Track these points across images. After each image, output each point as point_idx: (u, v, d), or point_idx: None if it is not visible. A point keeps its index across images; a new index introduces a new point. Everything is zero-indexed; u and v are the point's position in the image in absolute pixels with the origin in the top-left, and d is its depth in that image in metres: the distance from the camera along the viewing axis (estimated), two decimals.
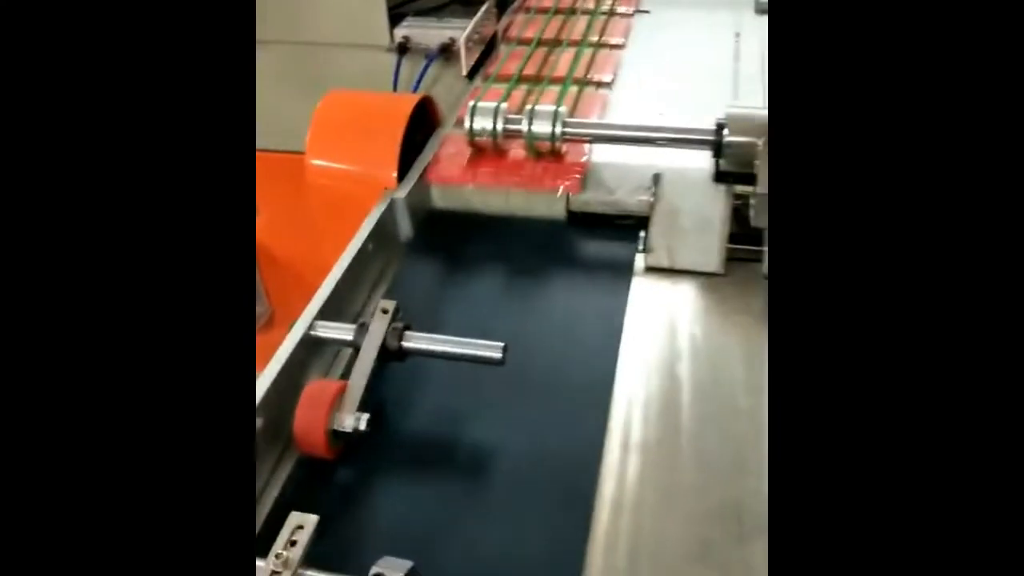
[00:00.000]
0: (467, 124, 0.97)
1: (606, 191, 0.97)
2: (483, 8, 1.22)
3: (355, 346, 0.73)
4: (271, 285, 1.52)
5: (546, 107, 0.95)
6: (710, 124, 0.91)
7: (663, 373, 0.76)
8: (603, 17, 1.35)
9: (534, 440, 0.70)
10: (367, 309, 0.87)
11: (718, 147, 0.90)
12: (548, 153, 0.98)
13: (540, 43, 1.26)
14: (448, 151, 1.01)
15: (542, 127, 0.95)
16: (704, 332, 0.81)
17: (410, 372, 0.75)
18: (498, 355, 0.71)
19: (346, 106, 1.01)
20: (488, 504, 0.66)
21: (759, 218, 0.86)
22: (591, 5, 1.39)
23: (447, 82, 1.29)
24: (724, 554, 0.60)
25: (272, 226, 1.29)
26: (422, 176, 0.98)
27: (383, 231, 0.92)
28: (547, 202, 0.98)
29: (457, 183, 0.98)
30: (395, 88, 1.27)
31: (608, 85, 1.17)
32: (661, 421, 0.71)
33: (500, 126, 0.96)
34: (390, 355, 0.73)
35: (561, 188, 0.95)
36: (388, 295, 0.88)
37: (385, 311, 0.75)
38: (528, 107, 0.96)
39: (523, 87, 1.13)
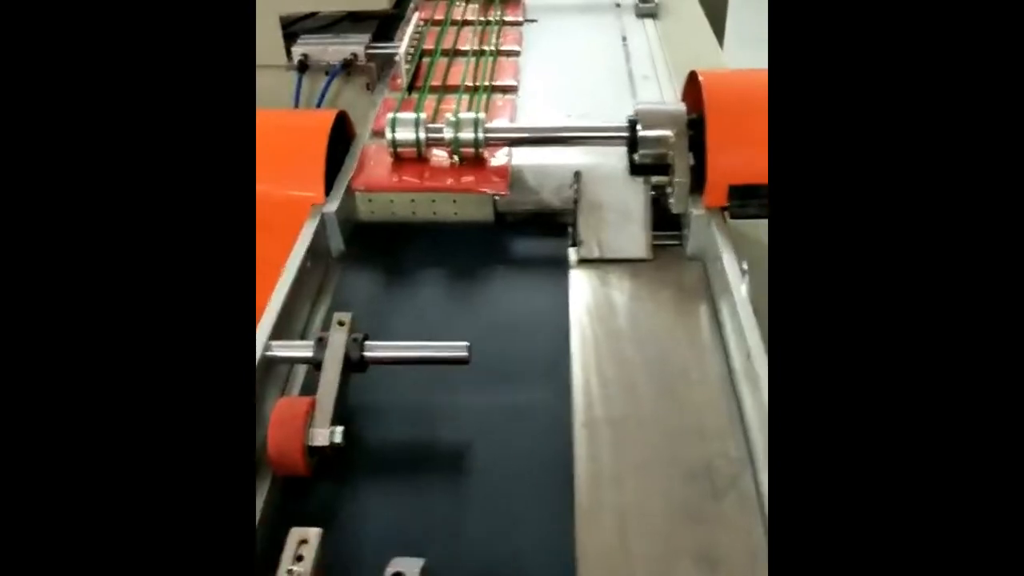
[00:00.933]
0: (389, 136, 0.98)
1: (531, 191, 1.00)
2: (379, 22, 1.23)
3: (315, 362, 0.72)
4: None
5: (467, 115, 0.97)
6: (622, 121, 0.97)
7: (614, 354, 0.81)
8: (495, 27, 1.39)
9: (506, 431, 0.72)
10: (311, 325, 0.86)
11: (633, 142, 0.96)
12: (471, 159, 1.00)
13: (440, 53, 1.28)
14: (370, 162, 1.01)
15: (466, 134, 0.97)
16: (643, 312, 0.87)
17: (371, 380, 0.75)
18: (464, 354, 0.72)
19: (264, 126, 0.98)
20: (474, 497, 0.67)
21: (678, 205, 0.93)
22: (478, 16, 1.43)
23: (348, 96, 1.28)
24: (704, 510, 0.65)
25: None
26: (348, 189, 0.97)
27: (316, 246, 0.91)
28: (474, 206, 1.00)
29: (385, 191, 0.98)
30: (296, 106, 1.25)
31: (514, 90, 1.20)
32: (621, 398, 0.76)
33: (423, 135, 0.97)
34: (352, 366, 0.73)
35: (490, 191, 0.97)
36: (333, 308, 0.87)
37: (342, 323, 0.74)
38: (450, 115, 0.98)
39: (431, 96, 1.15)
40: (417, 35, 1.24)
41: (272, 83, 1.25)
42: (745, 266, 0.81)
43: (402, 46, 1.15)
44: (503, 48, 1.32)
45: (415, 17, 1.27)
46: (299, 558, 0.53)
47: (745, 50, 3.86)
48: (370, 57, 1.21)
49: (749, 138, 0.90)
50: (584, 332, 0.83)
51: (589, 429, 0.73)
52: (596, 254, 0.94)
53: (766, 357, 0.70)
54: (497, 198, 0.99)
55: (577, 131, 1.01)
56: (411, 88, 1.18)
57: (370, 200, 0.99)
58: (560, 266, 0.93)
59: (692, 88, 0.99)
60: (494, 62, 1.27)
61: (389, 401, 0.75)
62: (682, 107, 0.95)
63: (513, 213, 1.01)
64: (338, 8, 1.24)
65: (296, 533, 0.55)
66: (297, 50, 1.23)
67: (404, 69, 1.14)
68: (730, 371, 0.78)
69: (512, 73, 1.25)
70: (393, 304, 0.90)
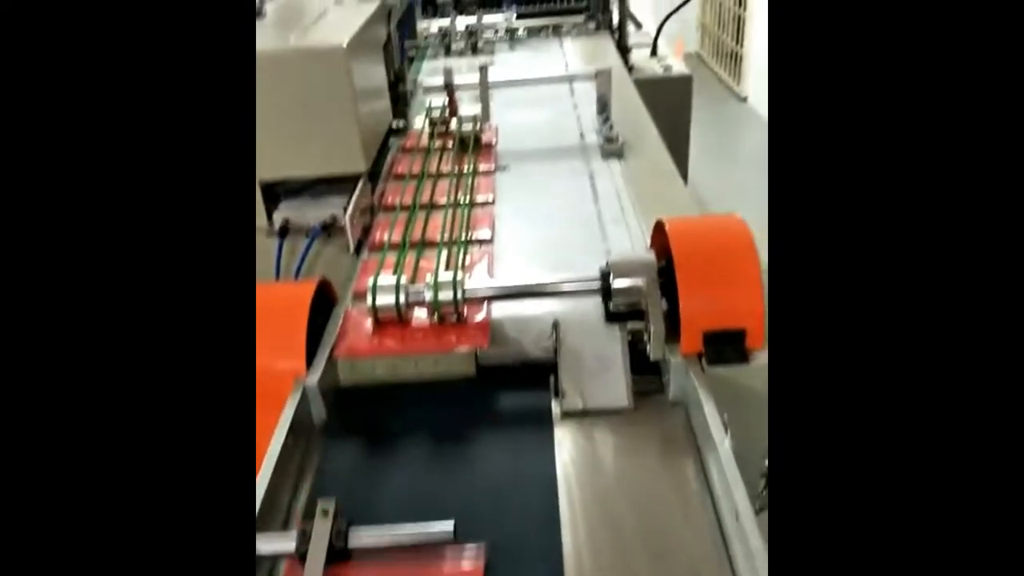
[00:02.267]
0: (370, 301, 1.00)
1: (511, 343, 1.02)
2: (360, 184, 1.28)
3: (299, 555, 0.71)
4: None
5: (446, 276, 1.00)
6: (595, 271, 1.01)
7: (604, 519, 0.79)
8: (469, 176, 1.46)
9: None
10: (295, 506, 0.85)
11: (607, 292, 0.99)
12: (451, 317, 1.02)
13: (417, 207, 1.33)
14: (351, 326, 1.03)
15: (445, 295, 0.99)
16: (631, 469, 0.86)
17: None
18: (449, 530, 0.71)
19: None
20: None
21: (656, 352, 0.95)
22: (452, 167, 1.49)
23: (329, 256, 1.31)
24: None
25: None
26: (330, 357, 0.98)
27: (298, 421, 0.91)
28: (455, 362, 1.01)
29: (366, 356, 0.99)
30: (278, 269, 1.28)
31: (489, 242, 1.24)
32: (614, 567, 0.74)
33: (403, 299, 1.00)
34: (336, 555, 0.71)
35: (471, 347, 0.98)
36: (316, 487, 0.86)
37: (326, 511, 0.73)
38: (429, 277, 1.00)
39: (411, 252, 1.19)
40: (395, 199, 1.29)
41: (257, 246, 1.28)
42: (727, 417, 0.81)
43: (380, 212, 1.19)
44: (478, 200, 1.37)
45: (388, 172, 1.33)
46: None
47: (708, 162, 4.03)
48: (352, 219, 1.26)
49: (718, 283, 0.93)
50: (572, 495, 0.82)
51: None
52: (579, 406, 0.94)
53: (754, 517, 0.69)
54: (478, 352, 1.00)
55: (553, 285, 1.04)
56: (391, 246, 1.21)
57: (352, 366, 1.00)
58: (544, 421, 0.93)
59: (659, 235, 1.03)
60: (469, 213, 1.32)
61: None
62: (651, 256, 0.99)
63: (495, 366, 1.02)
64: (317, 173, 1.29)
65: None
66: (278, 215, 1.27)
67: (383, 232, 1.18)
68: (721, 530, 0.76)
69: (487, 223, 1.29)
70: (377, 474, 0.88)
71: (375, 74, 1.48)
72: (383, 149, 1.53)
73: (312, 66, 1.22)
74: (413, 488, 0.86)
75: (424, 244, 1.23)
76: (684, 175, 2.62)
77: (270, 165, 1.27)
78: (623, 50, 2.55)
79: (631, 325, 1.00)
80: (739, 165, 4.31)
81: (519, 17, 2.48)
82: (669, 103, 2.49)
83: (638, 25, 3.08)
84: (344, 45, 1.21)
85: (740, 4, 5.16)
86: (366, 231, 1.30)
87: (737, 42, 5.28)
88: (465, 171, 1.48)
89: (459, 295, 1.00)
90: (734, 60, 5.37)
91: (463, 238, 1.24)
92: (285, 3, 1.72)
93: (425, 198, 1.37)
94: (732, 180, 4.03)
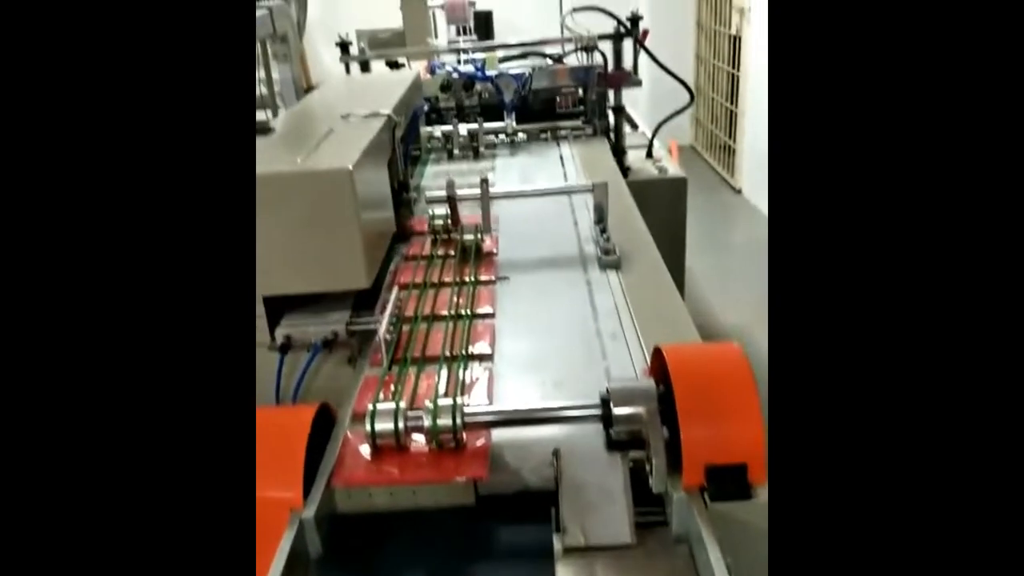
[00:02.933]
0: (368, 427, 0.99)
1: (511, 473, 1.00)
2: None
3: None
4: None
5: (445, 401, 1.00)
6: (595, 396, 1.01)
7: None
8: (470, 286, 1.48)
9: None
10: None
11: (607, 419, 0.99)
12: (450, 443, 1.01)
13: (418, 320, 1.34)
14: (349, 453, 1.02)
15: (444, 421, 0.99)
16: None
17: None
18: None
19: None
20: None
21: (658, 485, 0.93)
22: (454, 277, 1.51)
23: (329, 370, 1.32)
24: None
25: None
26: (327, 485, 0.97)
27: (294, 556, 0.89)
28: (455, 491, 1.00)
29: (363, 485, 0.98)
30: (278, 384, 1.28)
31: (489, 357, 1.25)
32: None
33: (402, 425, 0.99)
34: None
35: (470, 477, 0.97)
36: None
37: None
38: (428, 403, 1.00)
39: (411, 368, 1.19)
40: (396, 311, 1.30)
41: (259, 360, 1.29)
42: (731, 560, 0.80)
43: (381, 326, 1.20)
44: (478, 311, 1.39)
45: (393, 292, 1.35)
46: None
47: (704, 253, 4.09)
48: (351, 333, 1.27)
49: (719, 416, 0.93)
50: None
51: None
52: (581, 542, 0.92)
53: None
54: (477, 482, 0.99)
55: (553, 411, 1.04)
56: (392, 362, 1.22)
57: (349, 495, 0.98)
58: (545, 556, 0.91)
59: (658, 360, 1.04)
60: (470, 326, 1.33)
61: None
62: (651, 384, 0.99)
63: (494, 496, 1.00)
64: (319, 289, 1.31)
65: None
66: (280, 332, 1.28)
67: (383, 348, 1.19)
68: None
69: (488, 338, 1.30)
70: None
71: (380, 188, 1.52)
72: (388, 255, 1.56)
73: (318, 187, 1.25)
74: None
75: (425, 360, 1.23)
76: (681, 273, 2.66)
77: (274, 281, 1.29)
78: (619, 153, 2.62)
79: (632, 453, 1.00)
80: (735, 256, 4.37)
81: (519, 122, 2.57)
82: (665, 203, 2.55)
83: (634, 126, 3.18)
84: (350, 167, 1.25)
85: (732, 101, 5.36)
86: (367, 343, 1.31)
87: (730, 136, 5.45)
88: (467, 280, 1.50)
89: (458, 421, 1.00)
90: (728, 153, 5.53)
91: (464, 353, 1.24)
92: (292, 118, 1.78)
93: (427, 309, 1.39)
94: (728, 270, 4.08)
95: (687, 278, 2.86)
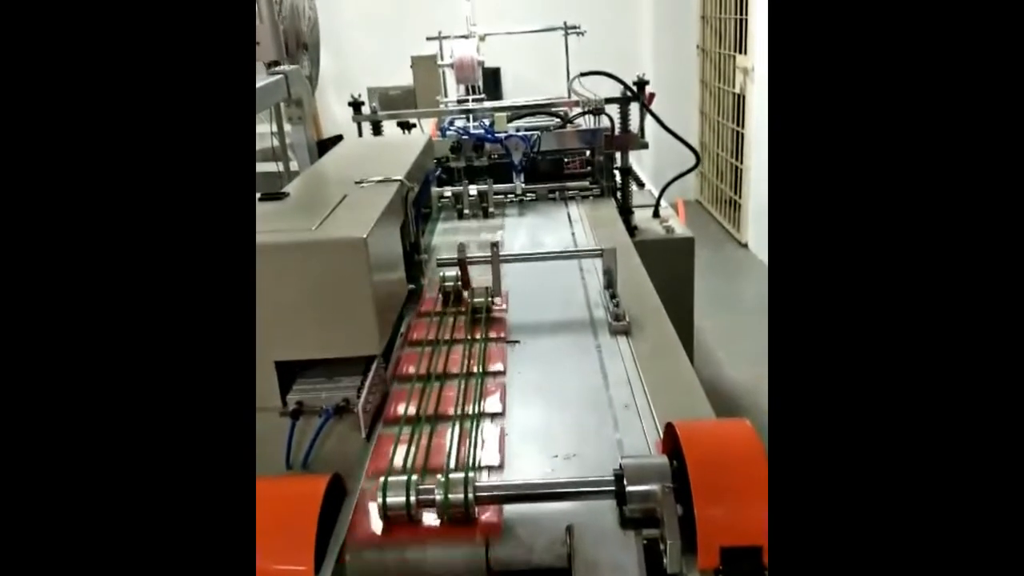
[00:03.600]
0: (380, 500, 0.99)
1: (524, 548, 0.99)
2: (374, 366, 1.30)
3: None
4: None
5: (457, 475, 1.00)
6: (608, 471, 1.00)
7: None
8: (481, 344, 1.48)
9: None
10: None
11: (621, 496, 0.98)
12: (461, 516, 1.00)
13: (431, 378, 1.35)
14: (359, 524, 1.01)
15: (456, 495, 0.98)
16: None
17: None
18: None
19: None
20: None
21: (673, 566, 0.92)
22: (466, 335, 1.52)
23: (340, 434, 1.31)
24: None
25: None
26: (339, 559, 0.96)
27: None
28: (466, 561, 0.98)
29: (376, 546, 0.98)
30: (288, 449, 1.28)
31: (501, 415, 1.25)
32: None
33: (414, 498, 0.99)
34: None
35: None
36: None
37: None
38: (440, 477, 1.00)
39: (424, 427, 1.19)
40: (399, 359, 1.31)
41: (267, 426, 1.29)
42: None
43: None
44: (490, 369, 1.39)
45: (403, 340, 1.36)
46: None
47: (711, 308, 4.10)
48: (366, 404, 1.27)
49: (733, 494, 0.93)
50: None
51: None
52: None
53: None
54: (490, 555, 0.98)
55: (566, 486, 1.03)
56: (406, 420, 1.22)
57: (360, 567, 0.97)
58: None
59: (670, 436, 1.03)
60: (482, 384, 1.33)
61: None
62: (665, 462, 0.99)
63: (506, 572, 0.99)
64: (332, 355, 1.31)
65: None
66: (292, 397, 1.29)
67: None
68: None
69: (499, 394, 1.30)
70: None
71: (393, 251, 1.54)
72: (400, 314, 1.57)
73: (332, 255, 1.27)
74: None
75: (437, 418, 1.24)
76: (689, 332, 2.66)
77: (287, 346, 1.30)
78: (627, 212, 2.66)
79: (646, 531, 0.99)
80: (741, 309, 4.37)
81: (528, 182, 2.61)
82: (672, 263, 2.56)
83: (640, 184, 3.23)
84: (364, 236, 1.27)
85: (737, 157, 5.43)
86: (380, 405, 1.31)
87: (735, 191, 5.51)
88: (477, 339, 1.51)
89: (470, 496, 0.99)
90: (733, 208, 5.58)
91: (476, 411, 1.25)
92: (306, 182, 1.82)
93: (440, 367, 1.39)
94: (734, 324, 4.07)
95: (694, 330, 2.86)
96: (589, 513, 1.02)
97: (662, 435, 1.08)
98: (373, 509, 1.02)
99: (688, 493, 0.94)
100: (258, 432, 1.31)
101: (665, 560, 0.93)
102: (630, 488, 0.97)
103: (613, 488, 0.98)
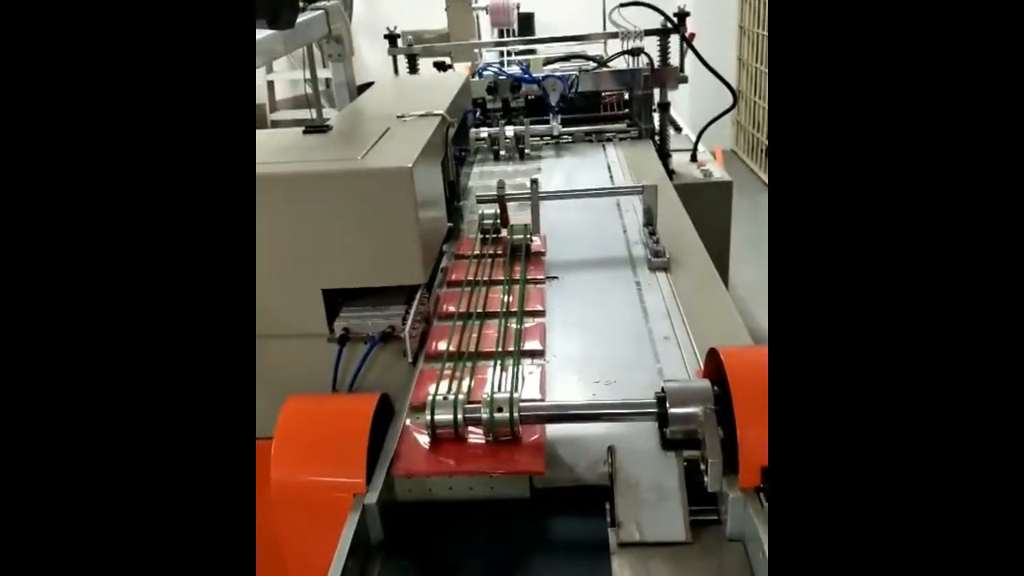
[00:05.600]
0: (428, 418, 1.02)
1: (567, 468, 1.02)
2: (418, 294, 1.33)
3: None
4: None
5: (502, 395, 1.02)
6: (650, 395, 1.02)
7: None
8: (520, 285, 1.50)
9: None
10: None
11: (663, 418, 1.00)
12: (506, 435, 1.03)
13: (471, 316, 1.37)
14: (408, 443, 1.05)
15: (501, 414, 1.01)
16: None
17: None
18: None
19: (307, 415, 1.04)
20: None
21: (714, 484, 0.94)
22: (504, 275, 1.54)
23: (385, 361, 1.35)
24: None
25: None
26: (387, 474, 1.00)
27: (357, 538, 0.92)
28: (510, 484, 1.02)
29: (422, 476, 1.01)
30: (335, 375, 1.32)
31: (542, 354, 1.27)
32: None
33: (460, 417, 1.02)
34: None
35: (527, 471, 0.99)
36: None
37: None
38: (486, 395, 1.02)
39: (466, 363, 1.22)
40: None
41: (316, 350, 1.33)
42: None
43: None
44: (529, 309, 1.41)
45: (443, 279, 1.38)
46: None
47: (746, 257, 4.06)
48: (412, 330, 1.29)
49: None
50: None
51: None
52: (636, 537, 0.93)
53: None
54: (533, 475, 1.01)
55: (608, 407, 1.05)
56: (445, 355, 1.25)
57: (409, 487, 1.01)
58: (601, 551, 0.93)
59: (712, 362, 1.05)
60: (521, 323, 1.35)
61: None
62: (708, 385, 1.00)
63: (549, 488, 1.02)
64: (378, 283, 1.34)
65: None
66: (339, 324, 1.31)
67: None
68: None
69: (539, 336, 1.32)
70: None
71: (434, 187, 1.55)
72: (439, 252, 1.59)
73: (379, 185, 1.29)
74: None
75: (479, 355, 1.26)
76: (724, 278, 2.65)
77: (333, 275, 1.33)
78: (664, 156, 2.62)
79: (687, 453, 1.01)
80: None
81: (564, 124, 2.58)
82: (710, 207, 2.54)
83: (677, 129, 3.18)
84: (410, 166, 1.28)
85: None
86: (423, 338, 1.34)
87: None
88: (516, 279, 1.52)
89: (515, 415, 1.02)
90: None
91: (517, 349, 1.26)
92: (348, 117, 1.82)
93: (479, 306, 1.41)
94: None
95: (731, 292, 2.84)
96: (630, 436, 1.04)
97: (704, 361, 1.09)
98: (420, 429, 1.05)
99: (730, 416, 0.95)
100: (305, 358, 1.36)
101: (706, 479, 0.95)
102: (672, 410, 0.99)
103: (655, 410, 1.00)
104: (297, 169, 1.31)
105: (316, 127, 1.55)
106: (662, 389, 1.01)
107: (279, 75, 6.81)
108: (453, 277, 1.55)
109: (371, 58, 5.30)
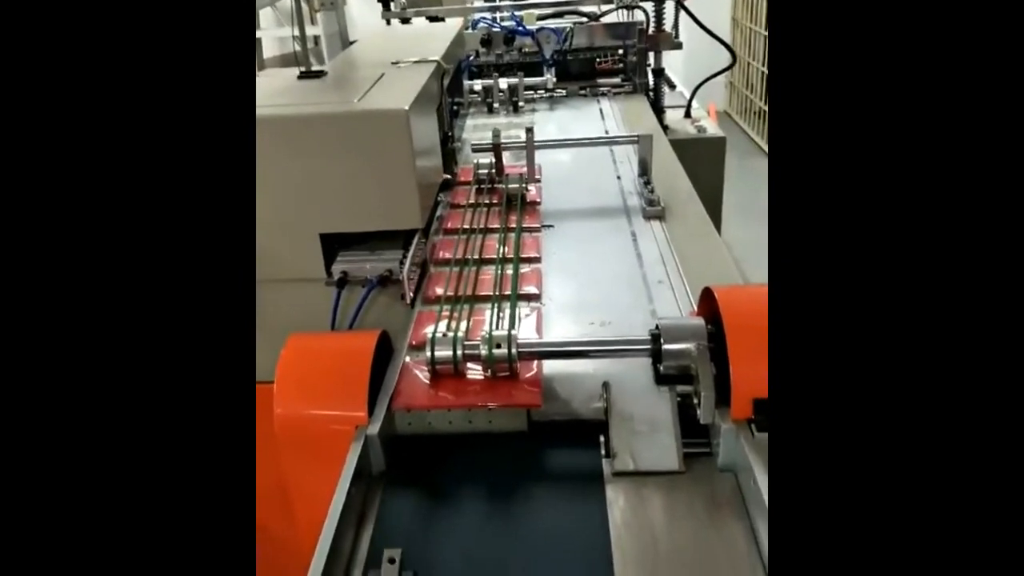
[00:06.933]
0: (428, 354, 1.04)
1: (563, 403, 1.05)
2: (415, 239, 1.34)
3: None
4: None
5: (501, 332, 1.04)
6: (644, 333, 1.04)
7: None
8: (516, 233, 1.51)
9: None
10: (358, 548, 0.88)
11: (657, 354, 1.02)
12: (504, 372, 1.06)
13: (468, 263, 1.38)
14: (408, 380, 1.07)
15: (500, 350, 1.03)
16: (683, 531, 0.88)
17: None
18: None
19: (309, 352, 1.05)
20: None
21: (706, 416, 0.97)
22: (501, 223, 1.55)
23: (383, 305, 1.36)
24: None
25: None
26: (389, 408, 1.02)
27: (360, 468, 0.94)
28: (508, 417, 1.04)
29: (424, 409, 1.03)
30: (334, 317, 1.33)
31: (537, 298, 1.29)
32: None
33: (460, 353, 1.04)
34: None
35: (525, 405, 1.02)
36: (376, 534, 0.89)
37: (392, 560, 0.76)
38: (484, 333, 1.04)
39: (464, 307, 1.23)
40: (436, 245, 1.34)
41: (314, 295, 1.34)
42: None
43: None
44: (525, 255, 1.42)
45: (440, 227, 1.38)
46: None
47: (738, 217, 4.06)
48: (410, 273, 1.30)
49: (767, 351, 0.96)
50: (625, 555, 0.84)
51: None
52: (630, 467, 0.96)
53: None
54: (530, 409, 1.03)
55: (604, 344, 1.08)
56: (445, 299, 1.26)
57: (409, 420, 1.03)
58: (595, 480, 0.96)
59: (707, 302, 1.07)
60: (517, 269, 1.36)
61: None
62: (701, 322, 1.02)
63: (546, 422, 1.05)
64: (375, 228, 1.35)
65: None
66: (337, 267, 1.33)
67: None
68: None
69: (535, 281, 1.34)
70: (433, 523, 0.91)
71: (430, 133, 1.55)
72: (435, 203, 1.59)
73: (375, 127, 1.28)
74: (469, 541, 0.88)
75: (476, 299, 1.27)
76: (718, 231, 2.66)
77: (331, 219, 1.33)
78: (658, 111, 2.62)
79: (680, 388, 1.03)
80: (766, 221, 4.34)
81: (558, 79, 2.57)
82: (703, 163, 2.53)
83: (671, 86, 3.16)
84: (406, 108, 1.28)
85: (768, 65, 5.27)
86: (419, 283, 1.35)
87: (765, 101, 5.38)
88: (512, 227, 1.53)
89: (513, 351, 1.04)
90: (762, 119, 5.46)
91: (514, 292, 1.28)
92: (342, 64, 1.81)
93: (475, 253, 1.42)
94: (760, 234, 4.05)
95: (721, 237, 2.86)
96: (624, 373, 1.07)
97: (698, 301, 1.11)
98: (419, 366, 1.07)
99: (722, 354, 0.98)
100: (303, 301, 1.37)
101: (698, 412, 0.98)
102: (667, 346, 1.01)
103: (650, 347, 1.02)
104: (293, 112, 1.31)
105: (311, 73, 1.54)
106: (656, 326, 1.03)
107: (266, 32, 6.67)
108: (449, 225, 1.56)
109: (358, 15, 5.20)
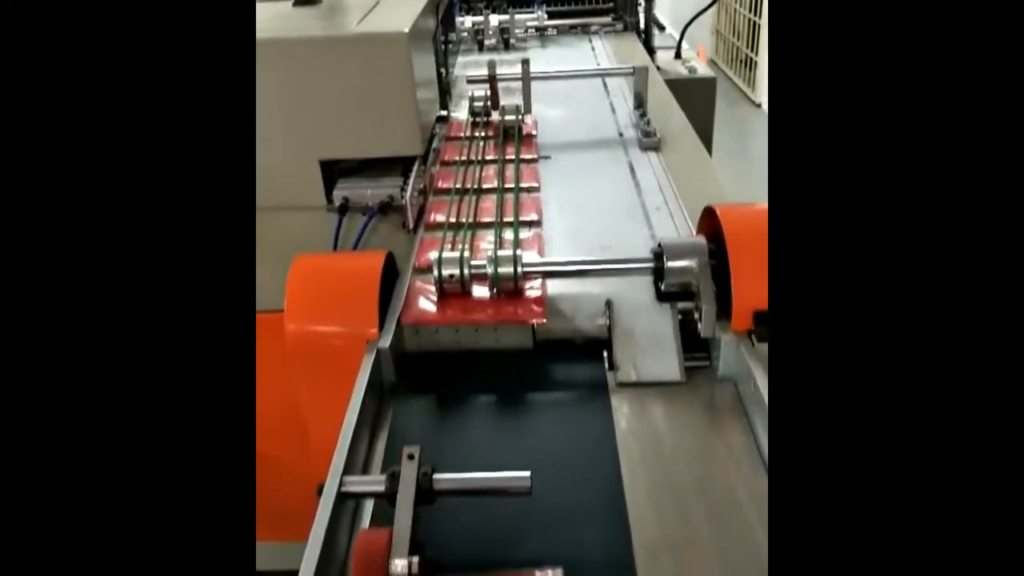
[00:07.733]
0: (436, 273, 1.06)
1: (567, 321, 1.08)
2: (416, 165, 1.34)
3: (389, 495, 0.76)
4: None
5: (506, 252, 1.06)
6: (646, 253, 1.07)
7: (663, 478, 0.85)
8: (513, 164, 1.52)
9: (570, 557, 0.75)
10: (373, 456, 0.91)
11: (659, 272, 1.05)
12: (509, 291, 1.08)
13: (468, 191, 1.39)
14: (416, 298, 1.09)
15: (506, 269, 1.05)
16: (685, 434, 0.92)
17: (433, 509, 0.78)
18: (527, 484, 0.76)
19: (317, 271, 1.07)
20: None
21: (707, 330, 1.01)
22: (498, 155, 1.55)
23: (383, 232, 1.37)
24: None
25: None
26: (398, 323, 1.04)
27: (373, 380, 0.97)
28: (514, 334, 1.07)
29: (432, 324, 1.06)
30: (335, 242, 1.34)
31: (538, 224, 1.30)
32: (677, 525, 0.79)
33: (467, 272, 1.06)
34: (422, 498, 0.77)
35: (530, 321, 1.04)
36: (391, 441, 0.92)
37: (411, 456, 0.79)
38: (490, 253, 1.06)
39: (467, 232, 1.25)
40: (436, 175, 1.35)
41: (314, 222, 1.34)
42: None
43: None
44: (524, 185, 1.43)
45: (438, 158, 1.39)
46: None
47: (726, 164, 4.08)
48: (411, 199, 1.31)
49: (767, 265, 0.99)
50: (631, 457, 0.88)
51: (652, 558, 0.76)
52: (633, 377, 1.00)
53: None
54: (535, 326, 1.06)
55: (607, 263, 1.10)
56: (443, 226, 1.27)
57: (417, 333, 1.06)
58: (600, 390, 0.99)
59: (707, 221, 1.09)
60: (518, 197, 1.37)
61: (452, 531, 0.79)
62: (703, 240, 1.05)
63: (551, 339, 1.08)
64: (375, 155, 1.35)
65: None
66: (338, 193, 1.33)
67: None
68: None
69: (535, 208, 1.35)
70: (446, 431, 0.94)
71: (427, 63, 1.54)
72: (431, 135, 1.59)
73: (375, 51, 1.28)
74: (482, 445, 0.92)
75: (477, 225, 1.29)
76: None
77: (331, 145, 1.33)
78: (649, 51, 2.61)
79: (680, 305, 1.07)
80: (754, 168, 4.37)
81: (550, 16, 2.54)
82: (694, 104, 2.52)
83: (660, 28, 3.14)
84: (406, 30, 1.27)
85: (755, 11, 5.22)
86: (420, 211, 1.36)
87: (752, 49, 5.34)
88: (509, 158, 1.54)
89: (518, 270, 1.06)
90: (748, 67, 5.43)
91: (516, 216, 1.30)
92: None
93: (475, 183, 1.43)
94: (748, 182, 4.09)
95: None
96: (626, 293, 1.10)
97: (699, 221, 1.13)
98: (425, 287, 1.09)
99: (723, 270, 1.01)
100: (305, 228, 1.38)
101: (699, 326, 1.01)
102: (669, 264, 1.04)
103: (652, 265, 1.05)
104: (291, 35, 1.30)
105: (306, 0, 1.51)
106: (659, 244, 1.05)
107: None
108: (446, 158, 1.56)
109: None
